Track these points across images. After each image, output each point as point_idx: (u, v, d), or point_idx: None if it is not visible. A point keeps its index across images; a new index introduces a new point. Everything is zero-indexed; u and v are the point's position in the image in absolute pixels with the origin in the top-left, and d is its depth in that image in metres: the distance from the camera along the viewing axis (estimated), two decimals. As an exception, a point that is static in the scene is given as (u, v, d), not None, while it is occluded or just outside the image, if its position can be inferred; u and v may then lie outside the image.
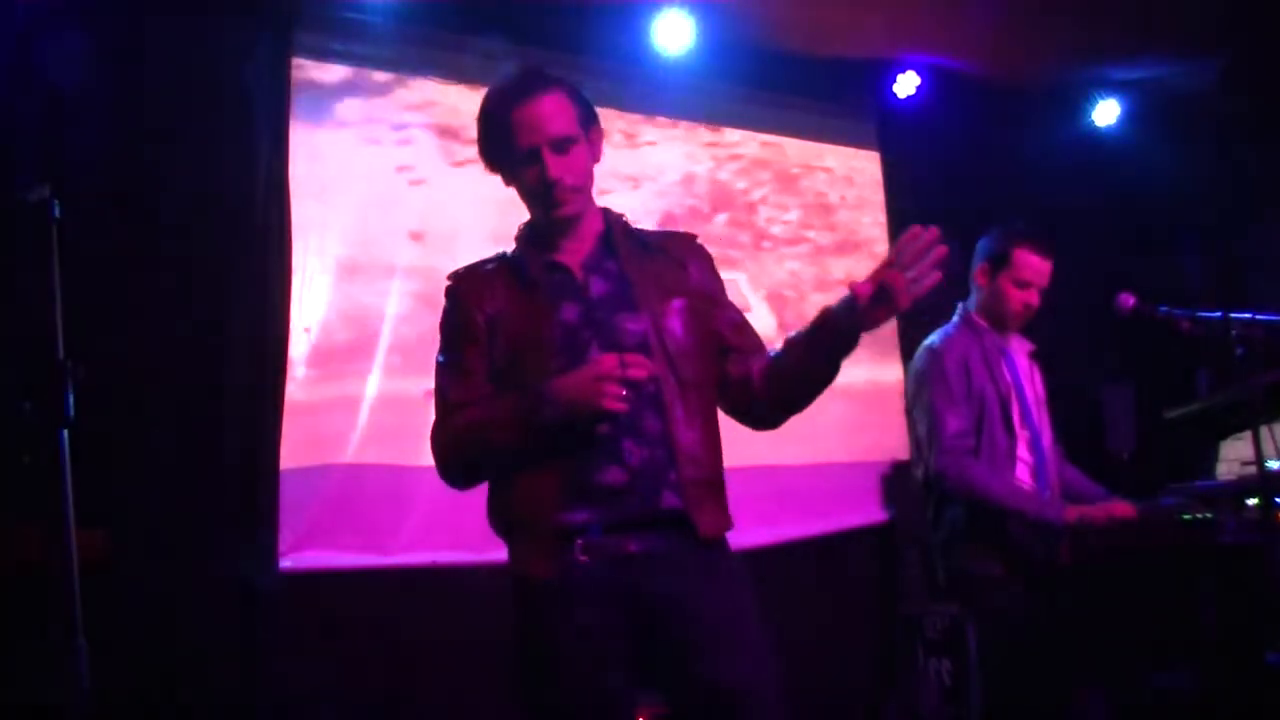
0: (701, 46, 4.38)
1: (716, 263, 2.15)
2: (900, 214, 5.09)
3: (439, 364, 2.03)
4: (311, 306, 3.82)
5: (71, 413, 2.17)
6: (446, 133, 4.19)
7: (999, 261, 3.02)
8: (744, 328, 2.08)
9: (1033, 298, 3.02)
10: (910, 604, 4.46)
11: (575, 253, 2.01)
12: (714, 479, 2.02)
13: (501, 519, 1.96)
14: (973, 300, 3.11)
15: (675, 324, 1.97)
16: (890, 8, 4.46)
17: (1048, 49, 4.81)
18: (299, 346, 3.75)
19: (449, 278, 2.07)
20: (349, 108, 4.04)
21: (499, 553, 1.97)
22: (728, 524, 2.02)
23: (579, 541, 1.85)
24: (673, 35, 4.33)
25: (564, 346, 1.91)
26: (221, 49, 3.66)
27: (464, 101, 4.26)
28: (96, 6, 3.48)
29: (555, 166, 1.94)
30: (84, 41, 3.41)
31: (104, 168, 3.39)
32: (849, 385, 4.83)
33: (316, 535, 3.66)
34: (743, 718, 1.87)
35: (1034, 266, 3.01)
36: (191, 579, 3.36)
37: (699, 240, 2.14)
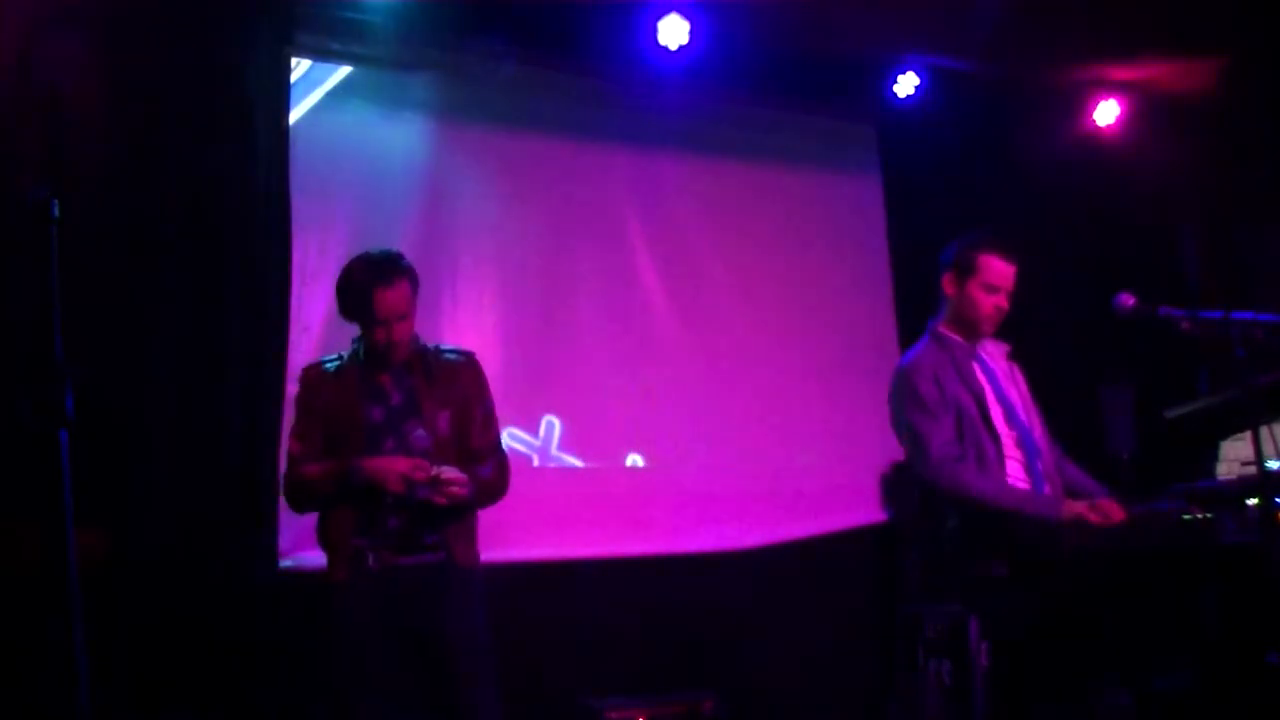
0: (701, 46, 4.38)
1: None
2: (900, 214, 5.10)
3: (292, 427, 2.92)
4: (311, 307, 3.82)
5: (71, 413, 2.17)
6: (447, 133, 4.19)
7: (965, 269, 3.07)
8: (484, 432, 2.96)
9: (1002, 301, 3.06)
10: (910, 604, 4.46)
11: (387, 370, 2.88)
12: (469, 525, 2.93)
13: (321, 539, 2.86)
14: (941, 313, 3.15)
15: (444, 425, 2.88)
16: (890, 8, 4.46)
17: (1048, 49, 4.81)
18: (299, 346, 3.75)
19: (303, 369, 2.98)
20: (349, 107, 4.04)
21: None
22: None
23: (369, 556, 2.78)
24: (673, 35, 4.33)
25: (369, 437, 2.82)
26: (222, 49, 3.66)
27: (464, 101, 4.27)
28: (97, 7, 3.48)
29: (397, 333, 2.83)
30: (84, 42, 3.42)
31: (104, 168, 3.39)
32: (850, 385, 4.86)
33: (316, 535, 3.66)
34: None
35: (1000, 270, 3.05)
36: (191, 579, 3.37)
37: (475, 358, 3.01)
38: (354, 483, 2.74)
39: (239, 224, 3.63)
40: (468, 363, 3.00)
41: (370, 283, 2.79)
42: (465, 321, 4.07)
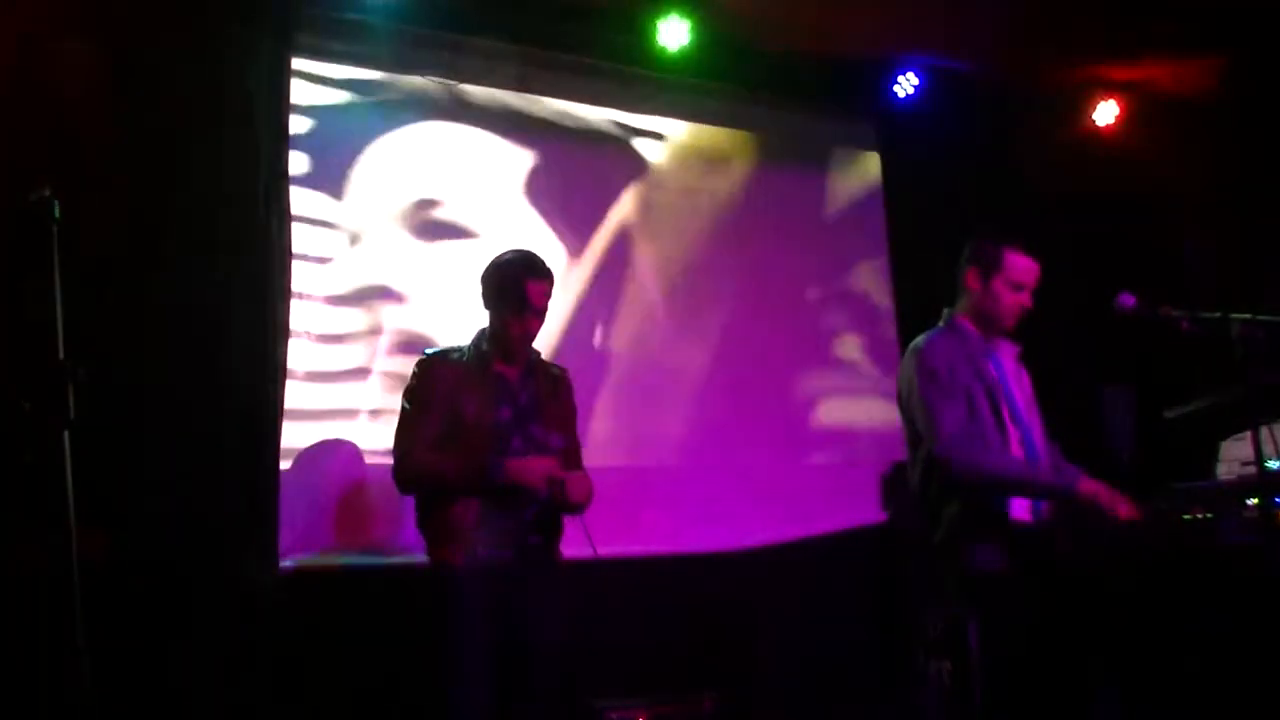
0: (701, 46, 4.38)
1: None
2: (900, 214, 5.10)
3: (406, 414, 2.98)
4: (311, 306, 3.82)
5: (71, 413, 2.17)
6: (447, 133, 4.19)
7: (990, 265, 3.05)
8: (570, 456, 3.09)
9: (1025, 299, 3.06)
10: (910, 604, 4.46)
11: (513, 369, 3.02)
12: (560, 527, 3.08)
13: (431, 525, 2.95)
14: (961, 305, 3.13)
15: (556, 436, 3.02)
16: (890, 8, 4.46)
17: (1048, 49, 4.81)
18: (299, 347, 3.75)
19: (423, 354, 3.06)
20: (349, 107, 4.04)
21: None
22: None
23: (479, 547, 2.87)
24: (673, 35, 4.33)
25: (497, 435, 2.91)
26: (222, 50, 3.66)
27: (464, 101, 4.26)
28: (97, 8, 3.48)
29: (534, 327, 3.01)
30: (85, 43, 3.42)
31: (104, 168, 3.39)
32: (850, 385, 4.87)
33: (316, 535, 3.67)
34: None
35: (1025, 267, 3.04)
36: (192, 579, 3.36)
37: (568, 375, 3.18)
38: (496, 480, 2.83)
39: (239, 224, 3.63)
40: (565, 377, 3.17)
41: (525, 273, 2.96)
42: (467, 321, 4.06)
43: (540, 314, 2.99)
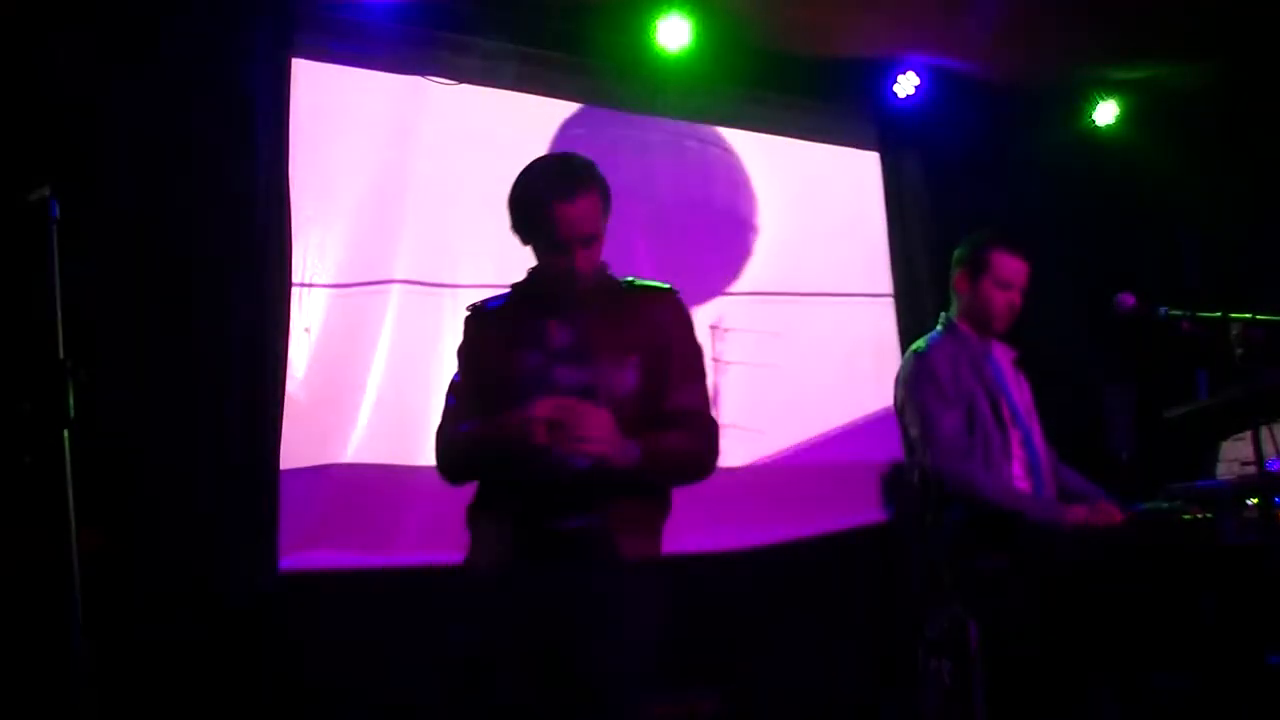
0: (701, 46, 4.38)
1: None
2: (900, 214, 5.10)
3: (451, 381, 2.37)
4: (311, 307, 3.82)
5: (71, 413, 2.17)
6: (447, 133, 4.19)
7: (977, 267, 3.09)
8: (675, 394, 2.26)
9: (1015, 298, 3.08)
10: (910, 604, 4.46)
11: (557, 305, 2.27)
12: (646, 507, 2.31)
13: (468, 517, 2.30)
14: (955, 309, 3.17)
15: (630, 376, 2.21)
16: (890, 8, 4.46)
17: (1048, 49, 4.81)
18: (299, 346, 3.75)
19: (467, 309, 2.41)
20: (349, 107, 4.04)
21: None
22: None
23: (497, 542, 2.20)
24: (673, 35, 4.33)
25: (520, 389, 2.15)
26: (221, 49, 3.66)
27: (465, 102, 4.26)
28: (96, 6, 3.48)
29: (581, 260, 2.20)
30: (84, 41, 3.42)
31: (104, 168, 3.39)
32: (850, 385, 4.86)
33: (316, 535, 3.67)
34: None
35: (1012, 267, 3.07)
36: (191, 579, 3.37)
37: (678, 295, 2.35)
38: (494, 447, 2.14)
39: (239, 224, 3.63)
40: (666, 297, 2.33)
41: (547, 195, 2.18)
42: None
43: (583, 241, 2.18)
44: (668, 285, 2.35)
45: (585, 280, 2.22)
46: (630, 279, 2.34)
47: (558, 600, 2.12)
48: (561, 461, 2.08)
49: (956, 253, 3.18)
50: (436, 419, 2.35)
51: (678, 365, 2.27)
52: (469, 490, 2.32)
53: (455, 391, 2.34)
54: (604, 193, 2.23)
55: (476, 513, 2.27)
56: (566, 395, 2.10)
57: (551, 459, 2.07)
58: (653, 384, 2.22)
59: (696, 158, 4.71)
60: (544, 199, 2.17)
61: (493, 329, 2.32)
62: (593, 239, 2.21)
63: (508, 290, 2.38)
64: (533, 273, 2.33)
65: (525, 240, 2.26)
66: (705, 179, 4.77)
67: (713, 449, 2.29)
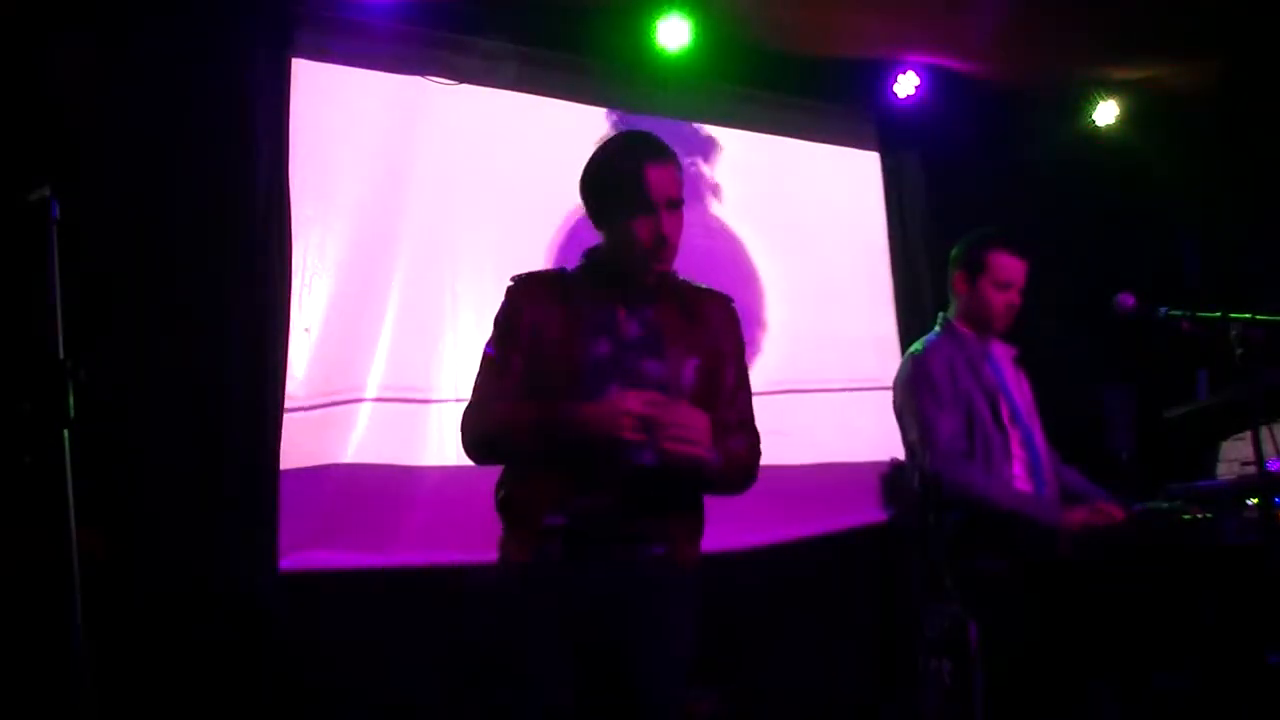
0: (701, 46, 4.38)
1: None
2: (900, 214, 5.10)
3: (485, 354, 2.23)
4: (311, 307, 3.82)
5: (71, 413, 2.17)
6: (447, 133, 4.19)
7: (975, 267, 3.08)
8: (734, 400, 2.27)
9: (1014, 297, 3.08)
10: (910, 604, 4.46)
11: (624, 295, 2.20)
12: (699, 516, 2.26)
13: (503, 508, 2.19)
14: (953, 310, 3.16)
15: (689, 376, 2.17)
16: (890, 8, 4.47)
17: (1048, 49, 4.81)
18: (299, 346, 3.75)
19: (512, 279, 2.26)
20: (349, 107, 4.04)
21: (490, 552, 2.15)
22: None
23: (560, 539, 2.09)
24: (673, 35, 4.33)
25: (589, 377, 2.10)
26: (221, 49, 3.66)
27: (465, 102, 4.26)
28: (96, 6, 3.48)
29: (669, 225, 2.14)
30: (84, 41, 3.42)
31: (104, 168, 3.39)
32: (850, 385, 4.86)
33: (316, 535, 3.66)
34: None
35: (1010, 267, 3.07)
36: (191, 579, 3.37)
37: (733, 304, 2.33)
38: (564, 435, 2.04)
39: (239, 224, 3.63)
40: (726, 303, 2.32)
41: (640, 158, 2.15)
42: (467, 321, 4.06)
43: (674, 207, 2.15)
44: (725, 293, 2.34)
45: (671, 254, 2.17)
46: (690, 279, 2.31)
47: (612, 602, 2.08)
48: (629, 458, 2.04)
49: (953, 253, 3.17)
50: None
51: (735, 372, 2.27)
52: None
53: (495, 367, 2.20)
54: (680, 167, 2.22)
55: (522, 504, 2.13)
56: (646, 389, 2.06)
57: (622, 454, 2.03)
58: (707, 388, 2.19)
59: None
60: (639, 159, 2.14)
61: (551, 307, 2.19)
62: (679, 204, 2.17)
63: (558, 269, 2.30)
64: (594, 255, 2.24)
65: (604, 218, 2.20)
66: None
67: (757, 461, 2.29)
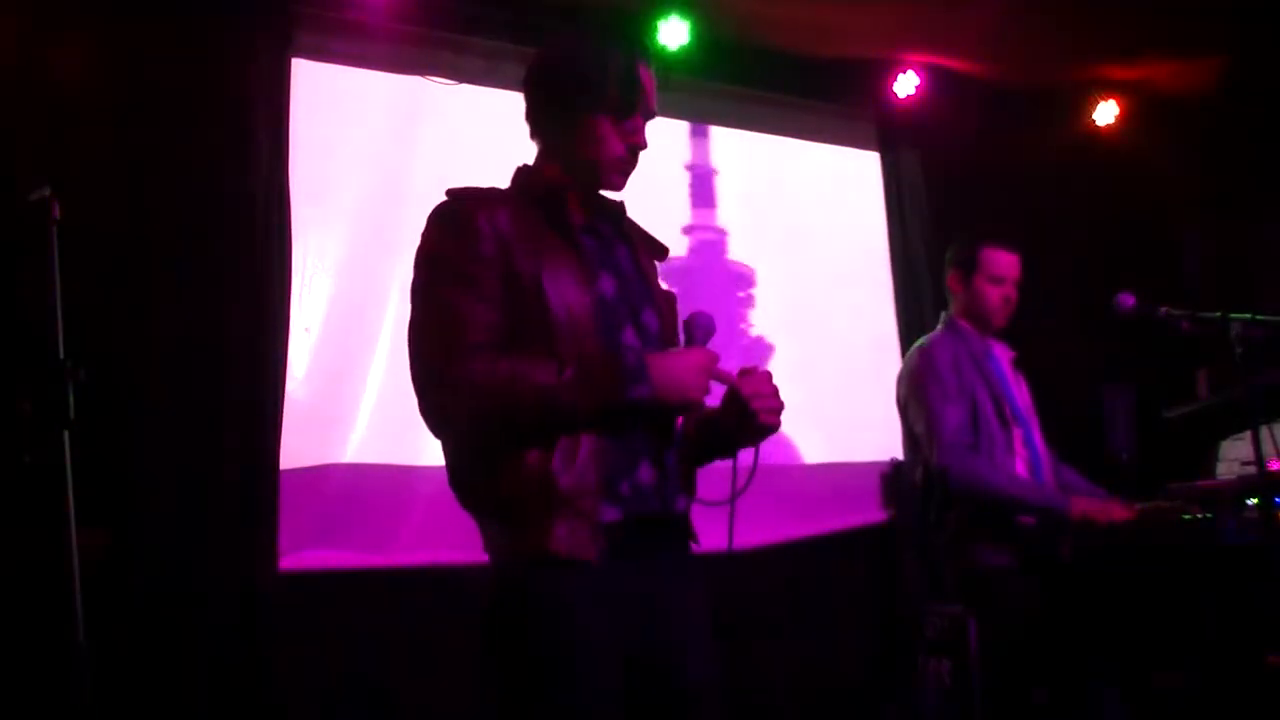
0: (701, 46, 4.38)
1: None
2: (900, 214, 5.09)
3: (441, 289, 1.71)
4: (311, 306, 3.82)
5: (71, 413, 2.17)
6: (447, 133, 4.19)
7: (969, 265, 3.12)
8: None
9: (1010, 292, 3.10)
10: (910, 604, 4.45)
11: (598, 223, 1.83)
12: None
13: (516, 490, 1.70)
14: (953, 308, 3.20)
15: (653, 325, 1.84)
16: (890, 8, 4.47)
17: (1048, 49, 4.81)
18: (299, 346, 3.75)
19: (447, 193, 1.82)
20: (349, 108, 4.04)
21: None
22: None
23: (620, 529, 1.70)
24: (673, 35, 4.33)
25: (598, 321, 1.70)
26: (221, 50, 3.66)
27: (465, 102, 4.26)
28: (97, 7, 3.48)
29: (641, 140, 1.80)
30: (85, 42, 3.42)
31: (104, 168, 3.39)
32: (850, 385, 4.86)
33: (316, 535, 3.67)
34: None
35: (1003, 261, 3.10)
36: (191, 579, 3.37)
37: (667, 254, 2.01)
38: (635, 393, 1.63)
39: (239, 224, 3.63)
40: (663, 254, 1.96)
41: (633, 52, 1.82)
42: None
43: (649, 119, 1.81)
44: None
45: (626, 179, 1.82)
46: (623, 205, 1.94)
47: (661, 601, 1.75)
48: (748, 420, 1.72)
49: (948, 253, 3.21)
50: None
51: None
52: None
53: (468, 296, 1.68)
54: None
55: (574, 489, 1.66)
56: (649, 341, 1.76)
57: (672, 424, 1.71)
58: (667, 337, 1.84)
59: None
60: (632, 52, 1.79)
61: (523, 225, 1.74)
62: (652, 117, 1.83)
63: (501, 188, 1.85)
64: (540, 175, 1.84)
65: (563, 119, 1.81)
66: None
67: None
